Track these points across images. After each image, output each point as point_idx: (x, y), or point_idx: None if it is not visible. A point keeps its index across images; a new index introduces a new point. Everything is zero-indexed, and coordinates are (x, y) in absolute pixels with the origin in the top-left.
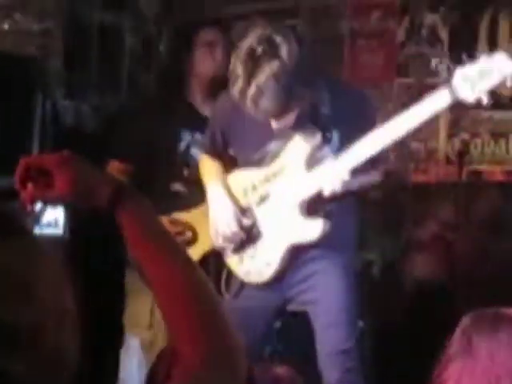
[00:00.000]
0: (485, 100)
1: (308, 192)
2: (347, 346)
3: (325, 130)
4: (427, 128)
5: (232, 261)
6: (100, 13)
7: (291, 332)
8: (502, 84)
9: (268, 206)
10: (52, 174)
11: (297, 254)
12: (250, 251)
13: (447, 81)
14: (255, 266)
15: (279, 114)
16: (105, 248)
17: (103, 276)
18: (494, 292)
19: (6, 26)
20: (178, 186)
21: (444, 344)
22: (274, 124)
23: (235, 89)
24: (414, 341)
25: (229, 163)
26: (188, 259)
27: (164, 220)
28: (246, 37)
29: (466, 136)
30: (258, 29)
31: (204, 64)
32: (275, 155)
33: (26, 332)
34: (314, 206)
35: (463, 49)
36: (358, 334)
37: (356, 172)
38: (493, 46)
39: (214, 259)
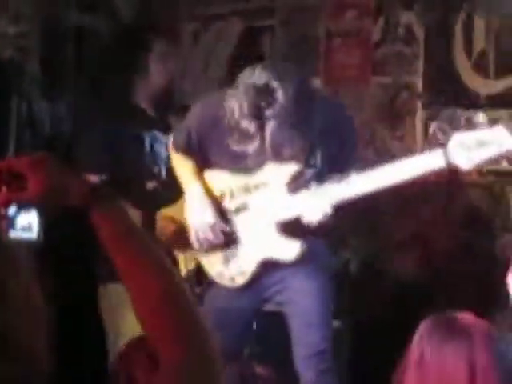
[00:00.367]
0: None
1: (287, 215)
2: (322, 347)
3: (309, 154)
4: (404, 126)
5: (206, 260)
6: (76, 15)
7: (269, 334)
8: (498, 159)
9: (246, 216)
10: (25, 176)
11: (271, 268)
12: (224, 255)
13: (444, 145)
14: (229, 271)
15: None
16: (78, 253)
17: (76, 279)
18: (472, 290)
19: None
20: (152, 184)
21: (407, 347)
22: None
23: (246, 145)
24: (392, 339)
25: (202, 163)
26: (163, 260)
27: (161, 219)
28: (244, 79)
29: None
30: (257, 71)
31: (157, 74)
32: (258, 167)
33: None
34: (293, 228)
35: (439, 47)
36: (336, 332)
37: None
38: (468, 45)
39: None
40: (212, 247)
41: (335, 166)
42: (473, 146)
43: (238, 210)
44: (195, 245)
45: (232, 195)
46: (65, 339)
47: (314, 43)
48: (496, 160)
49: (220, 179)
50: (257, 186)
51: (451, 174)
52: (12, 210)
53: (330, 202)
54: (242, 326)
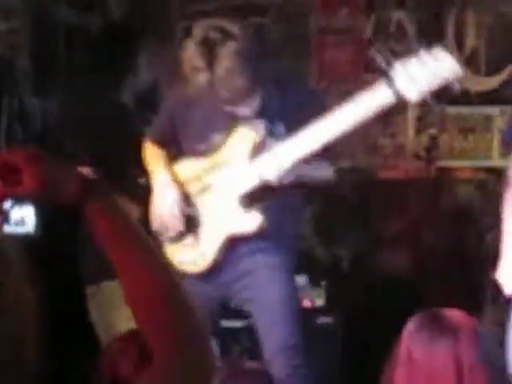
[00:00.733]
0: (429, 100)
1: (249, 183)
2: (291, 342)
3: (271, 123)
4: (395, 124)
5: (168, 248)
6: (67, 11)
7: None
8: (446, 85)
9: (209, 196)
10: (20, 170)
11: (233, 247)
12: (187, 241)
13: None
14: (191, 255)
15: (249, 92)
16: (69, 250)
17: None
18: (460, 286)
19: None
20: (144, 179)
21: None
22: (232, 109)
23: (198, 80)
24: (382, 335)
25: (174, 153)
26: (158, 255)
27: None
28: (192, 31)
29: (434, 131)
30: (204, 22)
31: (146, 73)
32: (219, 145)
33: None
34: (255, 198)
35: (430, 45)
36: (327, 329)
37: (306, 163)
38: (460, 41)
39: None
40: (174, 233)
41: (294, 123)
42: (418, 76)
43: (202, 191)
44: (157, 232)
45: (198, 179)
46: (55, 341)
47: (306, 40)
48: (442, 86)
49: (187, 167)
50: (219, 164)
51: (441, 171)
52: (6, 204)
53: (288, 157)
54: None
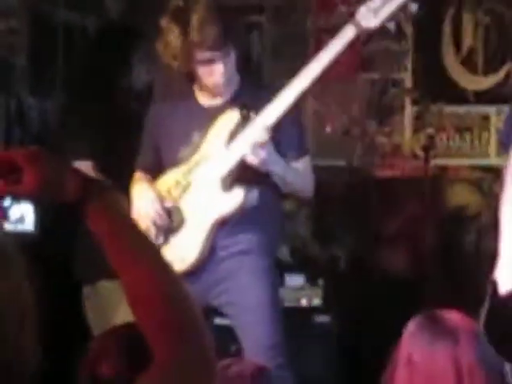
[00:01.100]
0: (390, 28)
1: (227, 165)
2: (272, 342)
3: (246, 109)
4: (392, 123)
5: None
6: (64, 11)
7: None
8: (404, 8)
9: (191, 193)
10: (20, 168)
11: (220, 232)
12: (173, 239)
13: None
14: (178, 252)
15: (224, 42)
16: (65, 250)
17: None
18: (459, 286)
19: None
20: None
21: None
22: (207, 101)
23: (173, 42)
24: (381, 335)
25: (157, 173)
26: (158, 254)
27: None
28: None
29: (431, 131)
30: None
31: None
32: (199, 144)
33: None
34: (235, 178)
35: (428, 43)
36: (325, 329)
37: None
38: (457, 41)
39: None
40: (160, 231)
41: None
42: (379, 6)
43: (183, 192)
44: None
45: (177, 184)
46: (50, 340)
47: (303, 40)
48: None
49: (166, 179)
50: (197, 163)
51: (438, 170)
52: (6, 202)
53: (264, 126)
54: None
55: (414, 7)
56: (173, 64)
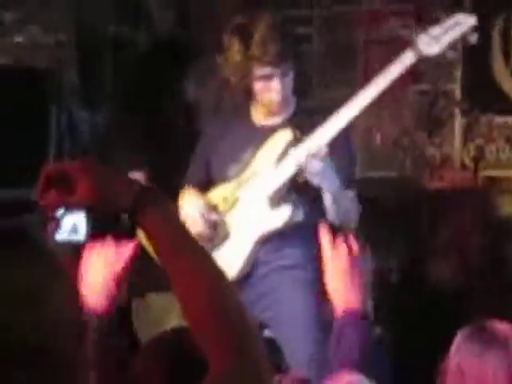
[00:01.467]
0: (448, 53)
1: (277, 182)
2: (315, 355)
3: (300, 130)
4: (442, 134)
5: None
6: (114, 25)
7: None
8: (464, 38)
9: (238, 208)
10: (74, 179)
11: (264, 248)
12: (215, 254)
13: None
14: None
15: (284, 60)
16: None
17: None
18: (508, 298)
19: (19, 39)
20: None
21: (445, 356)
22: (262, 121)
23: (233, 57)
24: (431, 347)
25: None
26: (212, 261)
27: None
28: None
29: (480, 141)
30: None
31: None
32: (248, 162)
33: (36, 347)
34: (283, 195)
35: (477, 54)
36: (377, 340)
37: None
38: (507, 52)
39: None
40: (206, 239)
41: None
42: (440, 35)
43: (231, 207)
44: None
45: (225, 200)
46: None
47: (352, 51)
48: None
49: (215, 194)
50: (247, 179)
51: (488, 181)
52: (59, 212)
53: (320, 142)
54: None
55: (473, 37)
56: (231, 79)
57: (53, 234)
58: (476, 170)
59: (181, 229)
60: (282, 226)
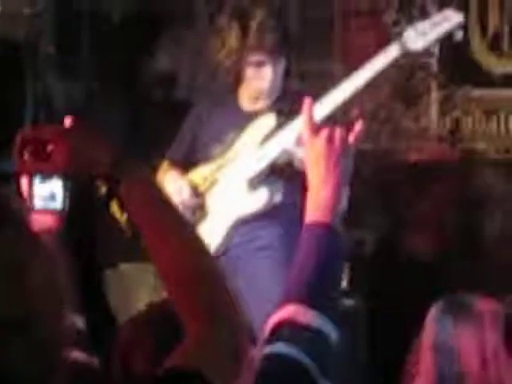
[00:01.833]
0: (432, 49)
1: (257, 166)
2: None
3: (284, 116)
4: (418, 106)
5: None
6: None
7: None
8: (451, 34)
9: (217, 189)
10: (50, 144)
11: (239, 230)
12: None
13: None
14: None
15: (279, 48)
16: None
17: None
18: (486, 270)
19: None
20: None
21: (419, 328)
22: (249, 106)
23: (230, 42)
24: (406, 319)
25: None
26: (193, 231)
27: None
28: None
29: (457, 114)
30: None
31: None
32: (232, 143)
33: (19, 321)
34: (262, 179)
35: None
36: (351, 312)
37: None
38: (483, 24)
39: None
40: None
41: None
42: (427, 30)
43: (209, 187)
44: None
45: (205, 180)
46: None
47: (328, 24)
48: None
49: (195, 174)
50: (229, 161)
51: (465, 153)
52: (36, 179)
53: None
54: None
55: (459, 35)
56: (225, 62)
57: (30, 201)
58: (453, 143)
59: (161, 196)
60: (259, 210)
